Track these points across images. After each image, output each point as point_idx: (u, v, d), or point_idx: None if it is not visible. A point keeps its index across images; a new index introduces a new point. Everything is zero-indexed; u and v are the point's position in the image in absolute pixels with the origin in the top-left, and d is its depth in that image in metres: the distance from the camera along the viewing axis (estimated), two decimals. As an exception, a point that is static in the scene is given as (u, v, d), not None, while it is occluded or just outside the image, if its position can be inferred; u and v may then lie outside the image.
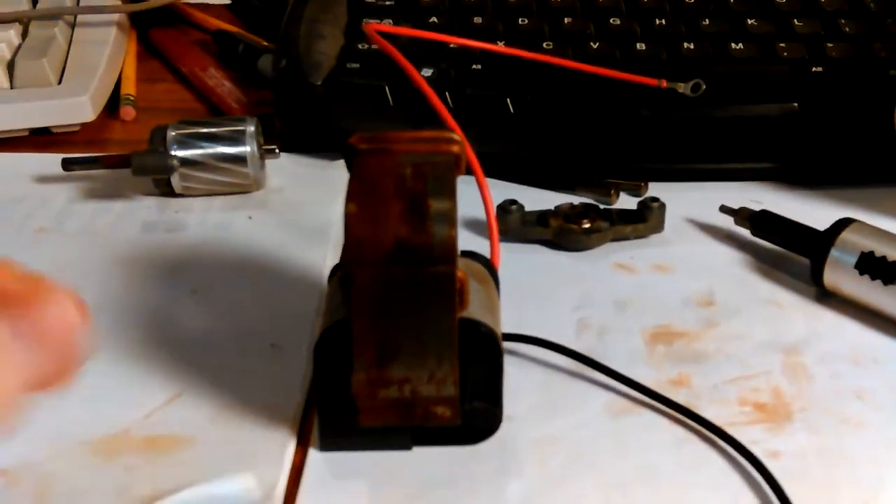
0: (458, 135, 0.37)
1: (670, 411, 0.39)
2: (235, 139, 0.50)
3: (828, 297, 0.44)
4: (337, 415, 0.36)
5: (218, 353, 0.41)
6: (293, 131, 0.55)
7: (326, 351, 0.35)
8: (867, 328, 0.43)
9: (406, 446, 0.37)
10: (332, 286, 0.38)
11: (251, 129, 0.50)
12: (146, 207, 0.50)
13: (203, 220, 0.49)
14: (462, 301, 0.35)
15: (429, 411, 0.36)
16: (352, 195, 0.34)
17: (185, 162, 0.49)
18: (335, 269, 0.39)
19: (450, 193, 0.34)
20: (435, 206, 0.34)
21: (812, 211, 0.49)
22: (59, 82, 0.56)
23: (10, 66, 0.56)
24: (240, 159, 0.50)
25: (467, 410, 0.36)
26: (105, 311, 0.44)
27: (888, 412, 0.39)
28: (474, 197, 0.44)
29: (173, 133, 0.49)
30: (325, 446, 0.37)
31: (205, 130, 0.50)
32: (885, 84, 0.52)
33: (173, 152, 0.49)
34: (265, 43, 0.62)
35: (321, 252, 0.47)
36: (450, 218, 0.34)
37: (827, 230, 0.44)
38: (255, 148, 0.50)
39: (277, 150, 0.52)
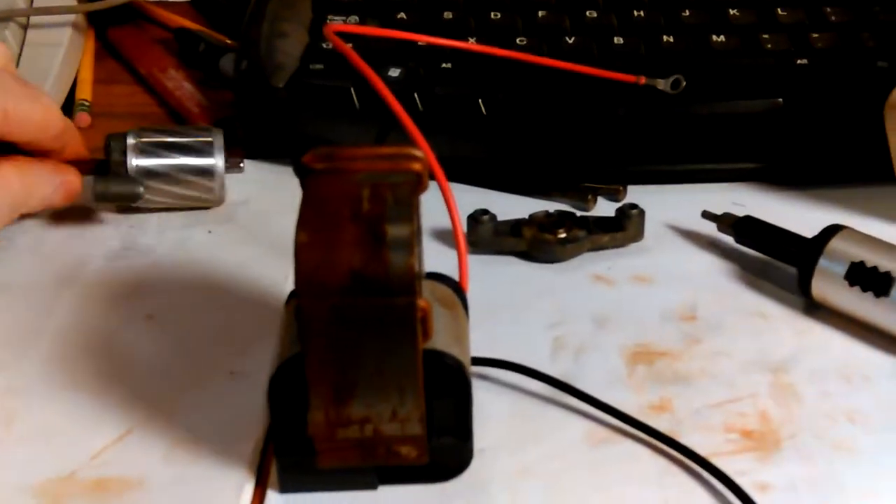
0: (420, 151, 0.34)
1: (652, 440, 0.36)
2: (202, 150, 0.47)
3: (816, 309, 0.42)
4: (296, 455, 0.34)
5: (173, 383, 0.39)
6: (256, 136, 0.52)
7: (282, 388, 0.33)
8: (857, 342, 0.40)
9: (372, 486, 0.35)
10: (288, 315, 0.36)
11: (219, 140, 0.47)
12: (99, 222, 0.48)
13: (160, 236, 0.47)
14: (426, 331, 0.33)
15: (393, 451, 0.34)
16: (303, 221, 0.32)
17: (147, 174, 0.46)
18: (292, 294, 0.37)
19: (410, 217, 0.32)
20: (393, 233, 0.31)
21: (799, 213, 0.47)
22: (10, 89, 0.54)
23: (-43, 73, 0.53)
24: (206, 172, 0.47)
25: (435, 447, 0.34)
26: (53, 337, 0.41)
27: (881, 435, 0.37)
28: (444, 206, 0.41)
29: (133, 141, 0.47)
30: (285, 487, 0.35)
31: (169, 140, 0.47)
32: (874, 76, 0.50)
33: (134, 161, 0.46)
34: (228, 41, 0.59)
35: (284, 269, 0.44)
36: (409, 245, 0.31)
37: (815, 238, 0.42)
38: (223, 161, 0.47)
39: (242, 164, 0.49)
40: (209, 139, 0.47)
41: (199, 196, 0.47)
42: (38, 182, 0.43)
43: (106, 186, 0.46)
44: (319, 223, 0.32)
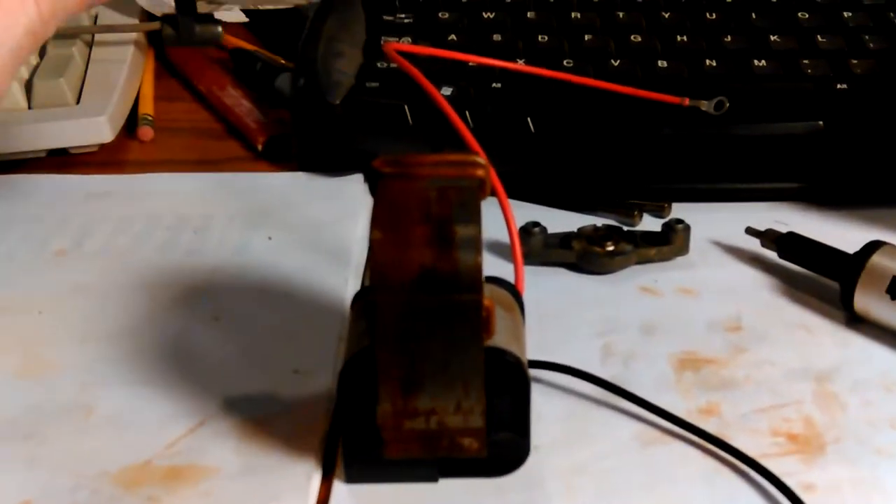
0: (482, 158, 0.36)
1: (701, 441, 0.38)
2: None
3: (858, 322, 0.43)
4: (362, 446, 0.36)
5: (240, 380, 0.41)
6: (311, 151, 0.55)
7: (350, 381, 0.35)
8: (900, 353, 0.42)
9: (432, 478, 0.37)
10: (355, 313, 0.37)
11: None
12: (164, 227, 0.50)
13: (222, 241, 0.49)
14: (488, 329, 0.35)
15: (455, 443, 0.35)
16: (376, 220, 0.34)
17: None
18: (358, 296, 0.39)
19: (476, 219, 0.34)
20: (461, 233, 0.33)
21: (840, 232, 0.48)
22: (77, 102, 0.56)
23: (28, 86, 0.56)
24: None
25: (494, 441, 0.36)
26: (125, 336, 0.43)
27: (923, 441, 0.38)
28: (496, 218, 0.43)
29: None
30: (351, 478, 0.37)
31: None
32: (912, 101, 0.51)
33: None
34: (283, 61, 0.62)
35: (342, 274, 0.46)
36: (476, 244, 0.33)
37: (857, 253, 0.43)
38: None
39: None
40: None
41: None
42: None
43: (175, 31, 0.34)
44: (391, 223, 0.33)
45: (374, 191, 0.35)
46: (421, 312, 0.33)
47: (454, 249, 0.33)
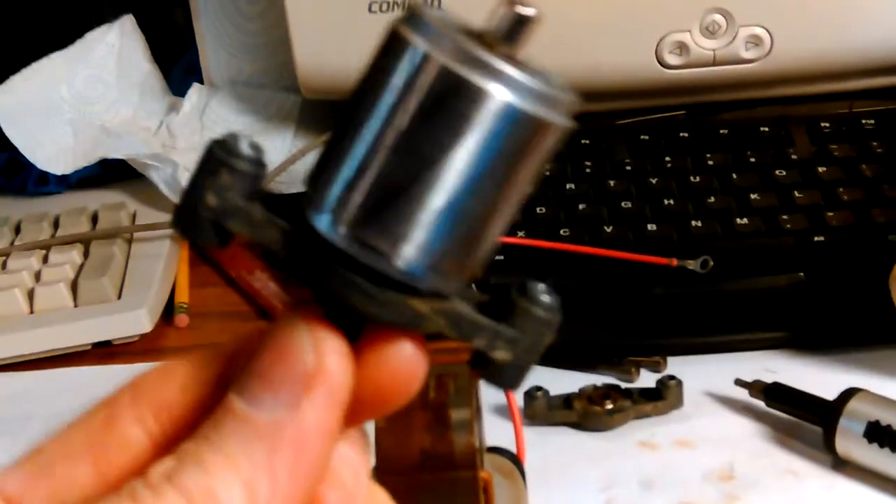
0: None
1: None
2: None
3: (842, 465, 0.46)
4: None
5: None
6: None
7: (366, 554, 0.38)
8: (882, 494, 0.45)
9: None
10: (370, 490, 0.41)
11: None
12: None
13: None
14: (488, 499, 0.38)
15: None
16: (381, 410, 0.38)
17: None
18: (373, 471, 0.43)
19: (469, 403, 0.38)
20: (456, 417, 0.37)
21: (825, 376, 0.51)
22: (119, 297, 0.61)
23: (74, 286, 0.61)
24: None
25: None
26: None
27: (906, 579, 0.41)
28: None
29: None
30: None
31: None
32: (885, 248, 0.55)
33: None
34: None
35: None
36: (469, 426, 0.37)
37: (835, 401, 0.46)
38: None
39: None
40: None
41: None
42: None
43: None
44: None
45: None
46: (423, 490, 0.37)
47: (450, 432, 0.37)
